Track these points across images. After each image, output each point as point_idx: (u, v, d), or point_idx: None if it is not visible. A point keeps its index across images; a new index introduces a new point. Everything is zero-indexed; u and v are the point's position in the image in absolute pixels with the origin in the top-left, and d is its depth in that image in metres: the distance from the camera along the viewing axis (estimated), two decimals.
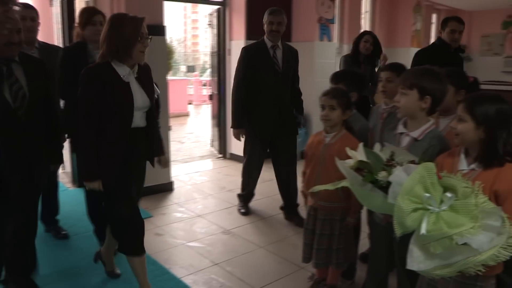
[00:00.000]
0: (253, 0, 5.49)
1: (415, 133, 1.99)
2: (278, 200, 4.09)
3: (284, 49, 3.75)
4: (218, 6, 5.74)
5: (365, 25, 7.81)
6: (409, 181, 1.61)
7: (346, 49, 6.92)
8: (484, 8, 9.68)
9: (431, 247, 1.54)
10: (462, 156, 1.76)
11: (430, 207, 1.59)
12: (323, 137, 2.40)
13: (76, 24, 3.05)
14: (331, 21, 6.04)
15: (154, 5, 4.24)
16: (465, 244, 1.47)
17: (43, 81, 2.35)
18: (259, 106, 3.71)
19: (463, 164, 1.74)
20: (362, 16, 7.48)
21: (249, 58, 3.70)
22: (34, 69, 2.30)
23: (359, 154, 1.93)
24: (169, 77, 7.14)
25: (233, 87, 3.83)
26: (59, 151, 2.60)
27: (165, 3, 4.48)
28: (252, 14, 5.48)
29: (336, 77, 2.79)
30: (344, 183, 1.88)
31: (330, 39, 6.04)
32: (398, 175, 1.66)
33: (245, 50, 3.76)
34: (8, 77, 2.18)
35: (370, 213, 2.57)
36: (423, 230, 1.54)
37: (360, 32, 4.87)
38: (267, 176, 4.83)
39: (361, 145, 1.92)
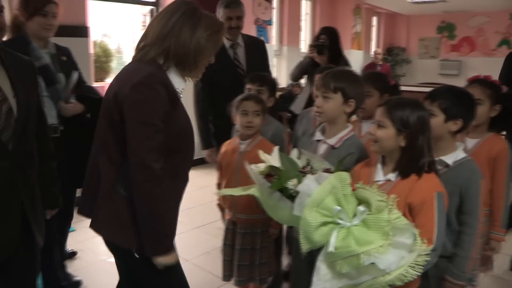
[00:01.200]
0: None
1: (332, 141, 1.88)
2: (212, 208, 3.91)
3: (247, 44, 3.12)
4: (151, 7, 5.49)
5: (305, 27, 7.80)
6: (318, 191, 1.48)
7: (286, 51, 6.88)
8: (420, 13, 9.98)
9: (337, 265, 1.43)
10: (379, 166, 1.66)
11: (340, 221, 1.47)
12: (238, 145, 2.25)
13: (16, 11, 2.34)
14: (269, 22, 5.96)
15: (77, 4, 3.94)
16: (372, 263, 1.36)
17: (35, 91, 1.65)
18: (225, 119, 2.90)
19: (379, 175, 1.64)
20: (302, 18, 7.46)
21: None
22: (23, 72, 1.60)
23: (273, 158, 1.80)
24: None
25: (193, 102, 3.14)
26: (57, 191, 1.81)
27: (92, 3, 4.21)
28: None
29: (259, 79, 2.60)
30: (252, 191, 1.74)
31: (267, 41, 5.96)
32: (307, 184, 1.53)
33: None
34: None
35: (289, 227, 2.45)
36: (331, 247, 1.42)
37: None
38: (203, 182, 4.65)
39: (276, 148, 1.78)
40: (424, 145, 1.56)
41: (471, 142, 2.09)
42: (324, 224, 1.47)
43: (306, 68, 3.42)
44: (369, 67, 7.73)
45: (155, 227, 1.42)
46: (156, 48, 1.48)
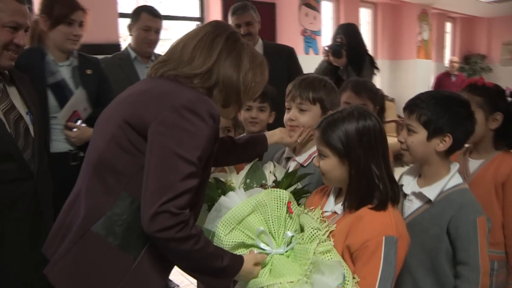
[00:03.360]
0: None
1: (301, 158, 1.66)
2: None
3: (267, 53, 2.75)
4: (196, 22, 5.55)
5: (366, 36, 7.43)
6: (239, 206, 1.27)
7: None
8: (503, 14, 9.05)
9: None
10: (332, 193, 1.38)
11: (263, 247, 1.26)
12: None
13: (37, 16, 2.03)
14: (317, 33, 5.73)
15: (108, 21, 4.06)
16: None
17: (39, 108, 1.65)
18: None
19: (329, 204, 1.36)
20: (361, 26, 7.12)
21: None
22: (29, 88, 1.62)
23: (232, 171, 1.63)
24: None
25: None
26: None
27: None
28: None
29: (261, 95, 2.34)
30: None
31: (317, 52, 5.72)
32: (231, 196, 1.32)
33: None
34: (1, 99, 1.47)
35: None
36: None
37: None
38: None
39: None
40: (373, 167, 1.23)
41: (474, 164, 1.69)
42: (245, 246, 1.27)
43: (324, 74, 2.92)
44: (442, 78, 7.14)
45: (206, 269, 1.15)
46: (201, 81, 1.22)
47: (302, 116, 1.64)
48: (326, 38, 6.28)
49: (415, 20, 7.41)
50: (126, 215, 1.12)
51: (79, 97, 2.07)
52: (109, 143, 1.16)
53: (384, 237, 1.17)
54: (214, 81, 1.23)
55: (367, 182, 1.23)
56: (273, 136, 1.60)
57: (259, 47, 2.88)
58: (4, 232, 1.40)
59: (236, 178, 1.60)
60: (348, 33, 2.98)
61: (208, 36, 1.24)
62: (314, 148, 1.65)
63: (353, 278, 1.17)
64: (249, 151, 1.56)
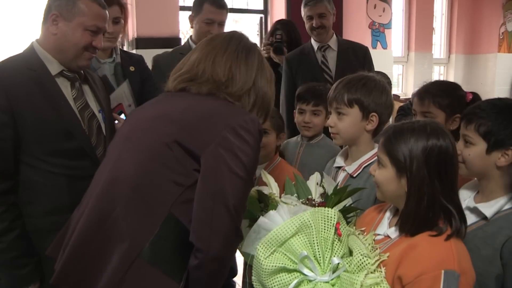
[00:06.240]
0: (294, 5, 5.10)
1: (351, 168, 1.52)
2: None
3: (342, 49, 2.73)
4: (260, 15, 5.45)
5: (440, 28, 6.94)
6: (281, 228, 1.16)
7: (413, 58, 6.20)
8: None
9: None
10: (388, 214, 1.24)
11: (307, 273, 1.13)
12: None
13: None
14: (387, 26, 5.41)
15: (169, 15, 4.05)
16: None
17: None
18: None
19: (383, 226, 1.22)
20: (435, 19, 6.65)
21: (290, 69, 2.70)
22: (101, 88, 1.69)
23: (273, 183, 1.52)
24: None
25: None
26: None
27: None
28: (294, 20, 5.10)
29: (315, 97, 2.05)
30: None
31: (385, 47, 5.42)
32: (272, 216, 1.21)
33: (286, 60, 2.77)
34: (77, 97, 1.53)
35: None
36: None
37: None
38: None
39: (315, 175, 1.50)
40: (439, 192, 1.09)
41: None
42: (287, 271, 1.15)
43: None
44: None
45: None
46: (245, 100, 1.22)
47: (341, 121, 1.51)
48: (396, 32, 5.95)
49: (499, 9, 6.78)
50: (171, 237, 1.07)
51: (124, 90, 2.04)
52: (151, 163, 1.11)
53: (443, 271, 1.02)
54: (254, 98, 1.24)
55: (428, 206, 1.09)
56: None
57: (333, 42, 2.74)
58: None
59: (278, 189, 1.49)
60: (288, 30, 2.89)
61: (241, 51, 1.23)
62: (366, 157, 1.51)
63: None
64: None
